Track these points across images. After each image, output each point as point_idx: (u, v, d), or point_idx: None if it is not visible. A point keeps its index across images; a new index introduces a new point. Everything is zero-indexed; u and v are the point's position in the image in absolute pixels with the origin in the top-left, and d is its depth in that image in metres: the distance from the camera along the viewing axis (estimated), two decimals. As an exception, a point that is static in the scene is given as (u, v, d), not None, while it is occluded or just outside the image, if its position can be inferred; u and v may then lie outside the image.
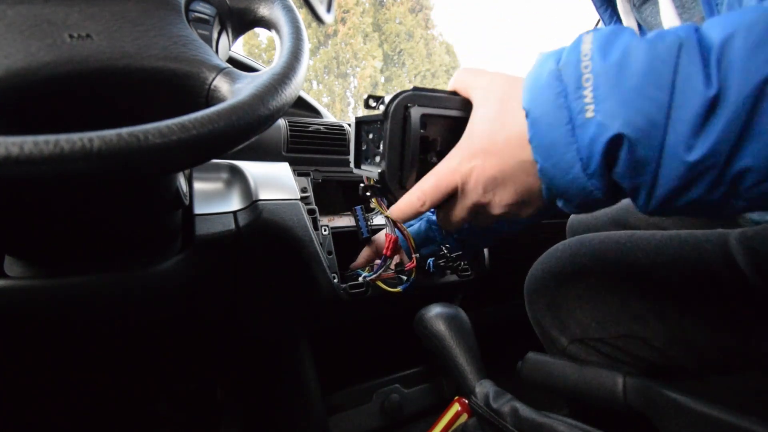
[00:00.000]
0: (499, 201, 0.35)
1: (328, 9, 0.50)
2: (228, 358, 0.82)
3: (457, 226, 0.39)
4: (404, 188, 0.38)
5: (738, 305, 0.41)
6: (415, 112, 0.36)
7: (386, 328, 0.95)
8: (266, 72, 0.34)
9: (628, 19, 0.52)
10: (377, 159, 0.40)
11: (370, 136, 0.42)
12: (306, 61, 0.37)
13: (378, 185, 0.41)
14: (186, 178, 0.56)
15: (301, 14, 0.42)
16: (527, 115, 0.31)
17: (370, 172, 0.40)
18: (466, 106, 0.38)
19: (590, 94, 0.27)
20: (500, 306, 1.14)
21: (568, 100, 0.28)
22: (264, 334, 0.77)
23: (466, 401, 0.52)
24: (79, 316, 0.50)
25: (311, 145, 0.77)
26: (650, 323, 0.45)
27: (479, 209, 0.37)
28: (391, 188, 0.38)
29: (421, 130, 0.37)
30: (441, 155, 0.37)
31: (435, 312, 0.55)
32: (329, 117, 0.94)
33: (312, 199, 0.69)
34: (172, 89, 0.35)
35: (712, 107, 0.24)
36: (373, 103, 0.40)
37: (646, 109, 0.26)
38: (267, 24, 0.43)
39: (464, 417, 0.62)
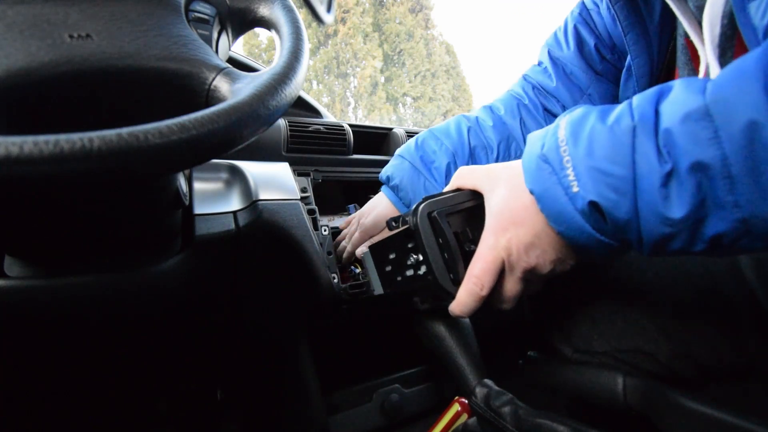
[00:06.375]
0: (544, 260, 0.38)
1: (328, 9, 0.50)
2: (228, 358, 0.82)
3: (513, 300, 0.41)
4: (459, 283, 0.41)
5: (746, 323, 0.41)
6: (440, 215, 0.40)
7: (386, 328, 0.95)
8: (266, 72, 0.34)
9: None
10: (409, 273, 0.44)
11: (391, 256, 0.46)
12: (306, 61, 0.37)
13: (432, 293, 0.43)
14: (186, 178, 0.56)
15: (301, 14, 0.42)
16: (532, 192, 0.36)
17: (417, 281, 0.43)
18: (475, 195, 0.43)
19: (572, 172, 0.33)
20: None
21: (558, 177, 0.34)
22: (264, 333, 0.77)
23: (466, 401, 0.52)
24: (78, 316, 0.50)
25: (311, 145, 0.77)
26: (655, 339, 0.45)
27: (529, 275, 0.39)
28: (447, 288, 0.41)
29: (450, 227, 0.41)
30: (475, 241, 0.40)
31: (435, 312, 0.55)
32: (329, 117, 0.94)
33: (312, 199, 0.69)
34: (172, 89, 0.35)
35: (669, 179, 0.29)
36: (395, 224, 0.44)
37: (613, 183, 0.31)
38: (267, 24, 0.43)
39: (464, 417, 0.62)
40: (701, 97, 0.28)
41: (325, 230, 0.69)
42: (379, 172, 0.83)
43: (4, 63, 0.30)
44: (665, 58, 0.54)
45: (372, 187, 0.83)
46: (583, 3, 0.68)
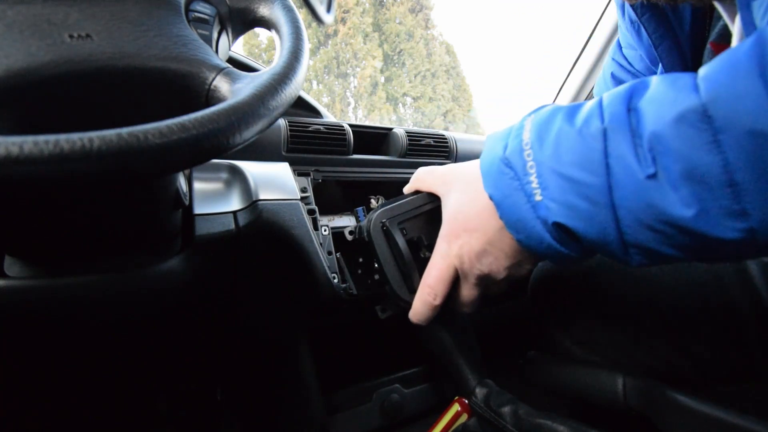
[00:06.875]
0: (498, 267, 0.36)
1: (328, 9, 0.50)
2: (228, 358, 0.82)
3: (472, 305, 0.40)
4: (414, 291, 0.40)
5: (748, 323, 0.41)
6: (392, 224, 0.40)
7: (386, 328, 0.95)
8: (266, 72, 0.34)
9: None
10: (376, 277, 0.43)
11: (360, 259, 0.45)
12: (306, 61, 0.37)
13: (391, 301, 0.43)
14: (186, 178, 0.56)
15: (301, 14, 0.42)
16: (491, 198, 0.33)
17: (382, 286, 0.43)
18: (432, 197, 0.42)
19: (536, 180, 0.31)
20: (500, 306, 1.14)
21: (521, 183, 0.31)
22: (264, 333, 0.77)
23: (466, 401, 0.52)
24: (78, 316, 0.50)
25: (311, 145, 0.77)
26: (656, 338, 0.45)
27: (484, 281, 0.38)
28: (403, 298, 0.41)
29: (404, 236, 0.41)
30: (431, 247, 0.40)
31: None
32: (329, 117, 0.94)
33: (312, 199, 0.69)
34: (172, 89, 0.35)
35: (654, 183, 0.26)
36: (350, 236, 0.43)
37: (584, 192, 0.28)
38: (267, 24, 0.43)
39: (464, 417, 0.62)
40: (695, 96, 0.25)
41: (325, 230, 0.69)
42: (379, 172, 0.83)
43: (4, 63, 0.30)
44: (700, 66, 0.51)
45: (372, 186, 0.83)
46: (619, 43, 0.64)
